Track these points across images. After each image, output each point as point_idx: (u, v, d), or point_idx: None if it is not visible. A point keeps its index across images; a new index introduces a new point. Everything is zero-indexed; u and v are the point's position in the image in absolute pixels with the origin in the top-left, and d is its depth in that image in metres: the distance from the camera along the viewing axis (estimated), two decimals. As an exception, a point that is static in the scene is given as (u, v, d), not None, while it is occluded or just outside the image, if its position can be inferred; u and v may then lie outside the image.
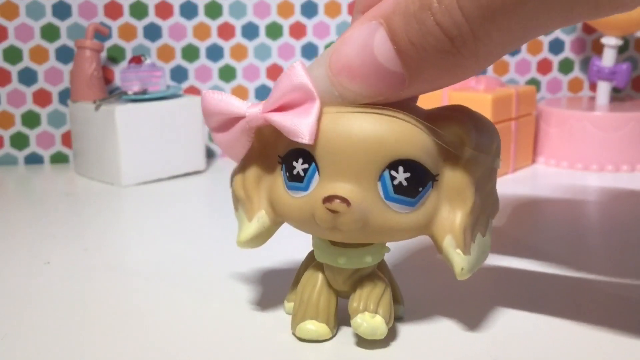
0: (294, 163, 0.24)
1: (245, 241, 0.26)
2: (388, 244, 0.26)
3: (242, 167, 0.26)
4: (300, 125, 0.23)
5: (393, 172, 0.23)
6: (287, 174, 0.24)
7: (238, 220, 0.26)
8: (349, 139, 0.23)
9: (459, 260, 0.24)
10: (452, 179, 0.24)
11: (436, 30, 0.20)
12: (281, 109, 0.23)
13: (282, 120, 0.23)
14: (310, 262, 0.27)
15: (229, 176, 0.27)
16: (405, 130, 0.23)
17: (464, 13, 0.19)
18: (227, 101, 0.24)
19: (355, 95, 0.22)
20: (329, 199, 0.23)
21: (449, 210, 0.24)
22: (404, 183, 0.23)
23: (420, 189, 0.23)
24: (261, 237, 0.26)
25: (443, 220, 0.24)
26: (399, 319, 0.28)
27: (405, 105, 0.23)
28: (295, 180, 0.24)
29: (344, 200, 0.22)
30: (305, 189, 0.24)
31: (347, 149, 0.23)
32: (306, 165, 0.23)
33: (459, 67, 0.21)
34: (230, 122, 0.24)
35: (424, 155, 0.23)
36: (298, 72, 0.23)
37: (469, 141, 0.24)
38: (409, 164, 0.23)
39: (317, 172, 0.23)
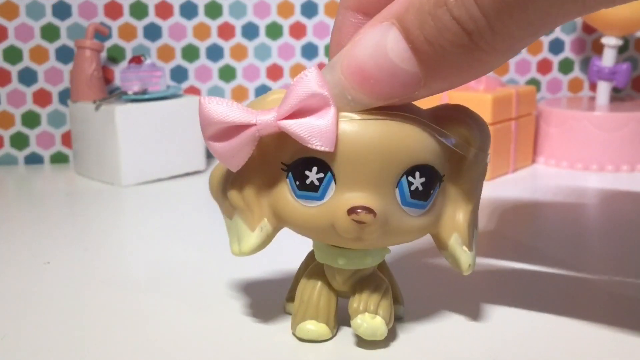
0: (307, 172, 0.23)
1: (249, 252, 0.25)
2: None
3: (238, 177, 0.25)
4: (318, 133, 0.22)
5: (410, 178, 0.23)
6: (297, 182, 0.23)
7: (233, 229, 0.25)
8: (367, 147, 0.22)
9: (466, 257, 0.25)
10: (457, 178, 0.24)
11: (453, 25, 0.20)
12: (294, 116, 0.22)
13: (298, 127, 0.22)
14: (310, 262, 0.27)
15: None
16: (420, 136, 0.23)
17: (480, 6, 0.19)
18: (230, 110, 0.23)
19: (369, 99, 0.22)
20: (353, 210, 0.22)
21: (454, 209, 0.25)
22: (420, 188, 0.23)
23: (431, 191, 0.24)
24: (262, 245, 0.25)
25: (448, 219, 0.25)
26: (399, 319, 0.28)
27: (406, 107, 0.23)
28: (309, 189, 0.23)
29: (370, 210, 0.22)
30: (321, 198, 0.23)
31: (366, 158, 0.22)
32: (321, 175, 0.23)
33: (477, 62, 0.20)
34: (232, 130, 0.23)
35: (435, 158, 0.23)
36: (313, 78, 0.22)
37: (474, 142, 0.24)
38: (424, 169, 0.23)
39: (333, 181, 0.23)
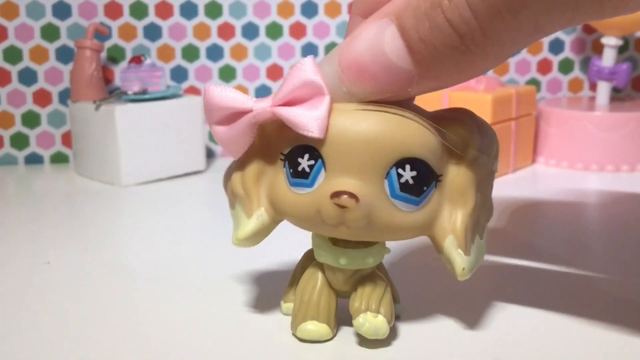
0: (299, 159, 0.24)
1: (243, 238, 0.25)
2: (388, 245, 0.26)
3: (240, 165, 0.25)
4: (310, 120, 0.23)
5: (400, 170, 0.23)
6: (291, 170, 0.24)
7: (234, 218, 0.26)
8: (358, 136, 0.23)
9: (461, 260, 0.24)
10: (455, 179, 0.24)
11: (446, 27, 0.20)
12: (289, 103, 0.23)
13: (291, 114, 0.23)
14: (307, 262, 0.27)
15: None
16: (413, 130, 0.23)
17: (472, 10, 0.20)
18: (231, 95, 0.24)
19: (363, 92, 0.23)
20: (337, 194, 0.23)
21: (451, 210, 0.24)
22: (410, 181, 0.23)
23: (424, 188, 0.24)
24: (259, 235, 0.25)
25: (445, 220, 0.24)
26: (396, 317, 0.28)
27: (409, 106, 0.24)
28: (300, 176, 0.24)
29: (353, 195, 0.22)
30: (311, 185, 0.24)
31: (356, 146, 0.23)
32: (312, 162, 0.23)
33: (468, 64, 0.21)
34: (233, 116, 0.24)
35: (430, 154, 0.23)
36: (308, 67, 0.23)
37: (472, 142, 0.24)
38: (416, 163, 0.23)
39: (323, 169, 0.23)
